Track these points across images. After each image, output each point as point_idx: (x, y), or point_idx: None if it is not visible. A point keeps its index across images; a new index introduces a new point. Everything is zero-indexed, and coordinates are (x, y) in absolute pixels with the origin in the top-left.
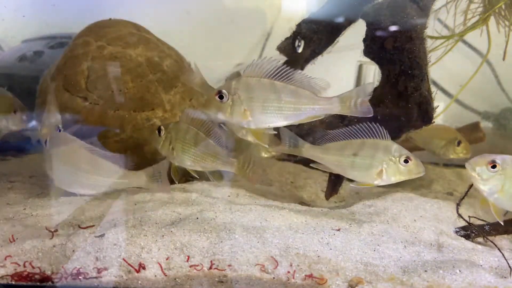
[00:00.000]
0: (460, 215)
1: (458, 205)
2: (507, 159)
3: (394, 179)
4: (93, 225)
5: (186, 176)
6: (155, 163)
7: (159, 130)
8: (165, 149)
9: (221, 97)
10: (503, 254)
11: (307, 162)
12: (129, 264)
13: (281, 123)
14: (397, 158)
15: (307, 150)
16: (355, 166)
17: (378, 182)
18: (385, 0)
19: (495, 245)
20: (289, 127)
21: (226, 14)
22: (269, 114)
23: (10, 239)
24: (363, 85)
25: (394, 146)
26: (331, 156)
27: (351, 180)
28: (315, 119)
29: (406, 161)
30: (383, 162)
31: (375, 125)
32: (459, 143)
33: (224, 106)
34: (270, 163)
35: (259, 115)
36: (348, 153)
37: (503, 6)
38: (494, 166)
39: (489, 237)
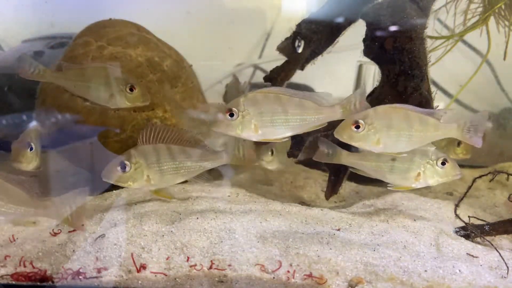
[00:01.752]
0: (457, 216)
1: (456, 205)
2: (369, 113)
3: (431, 182)
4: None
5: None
6: None
7: (124, 166)
8: (140, 182)
9: (231, 115)
10: (500, 254)
11: (307, 162)
12: (134, 263)
13: (288, 134)
14: (435, 161)
15: (345, 157)
16: (394, 170)
17: (415, 185)
18: (385, 0)
19: (492, 245)
20: None
21: (226, 14)
22: (277, 126)
23: (11, 239)
24: (358, 89)
25: (431, 150)
26: (369, 162)
27: (351, 180)
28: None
29: (443, 163)
30: (421, 165)
31: None
32: (459, 144)
33: (235, 123)
34: None
35: (268, 129)
36: (387, 158)
37: (503, 6)
38: (358, 127)
39: (489, 237)
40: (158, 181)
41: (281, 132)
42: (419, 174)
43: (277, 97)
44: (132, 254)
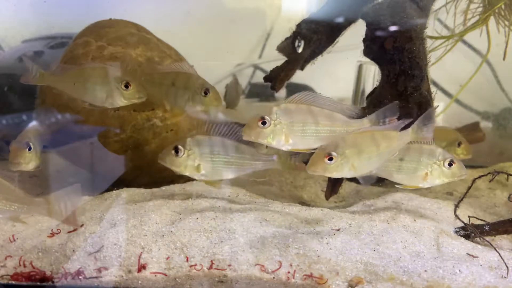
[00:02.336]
0: (457, 216)
1: (456, 206)
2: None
3: (438, 181)
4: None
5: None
6: (155, 164)
7: (177, 150)
8: (190, 169)
9: (263, 123)
10: (499, 254)
11: (307, 162)
12: (138, 262)
13: (318, 145)
14: (442, 162)
15: None
16: (402, 169)
17: (423, 184)
18: (385, 0)
19: (491, 245)
20: None
21: (226, 14)
22: (308, 137)
23: (11, 238)
24: (389, 104)
25: (439, 150)
26: None
27: (351, 180)
28: None
29: (450, 164)
30: (428, 165)
31: None
32: (459, 144)
33: (266, 131)
34: None
35: (298, 139)
36: (394, 158)
37: (503, 6)
38: (330, 159)
39: (489, 237)
40: (208, 172)
41: (311, 142)
42: (426, 174)
43: (309, 108)
44: (139, 255)
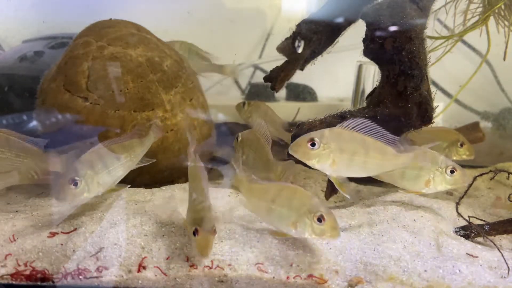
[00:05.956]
0: (460, 214)
1: (457, 203)
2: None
3: (440, 188)
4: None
5: None
6: (155, 164)
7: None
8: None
9: (313, 144)
10: (502, 254)
11: None
12: (140, 264)
13: (363, 175)
14: (444, 169)
15: None
16: (405, 176)
17: (425, 190)
18: (384, 0)
19: (495, 245)
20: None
21: (226, 14)
22: (354, 166)
23: (11, 238)
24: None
25: (441, 158)
26: None
27: (351, 180)
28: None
29: (452, 171)
30: (430, 172)
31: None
32: (461, 145)
33: (314, 153)
34: None
35: (344, 166)
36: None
37: (503, 6)
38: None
39: (489, 237)
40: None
41: (356, 172)
42: (428, 180)
43: (361, 137)
44: (142, 258)
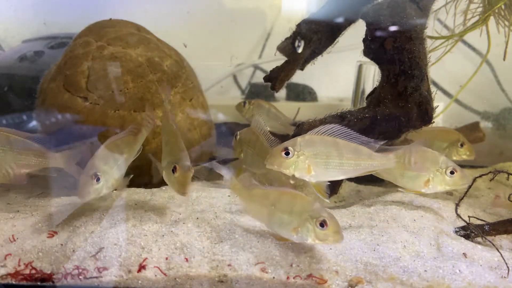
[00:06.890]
0: (458, 215)
1: (457, 205)
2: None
3: (440, 188)
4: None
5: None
6: (155, 164)
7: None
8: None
9: (287, 153)
10: (501, 254)
11: None
12: (140, 264)
13: (341, 177)
14: (444, 170)
15: None
16: (405, 175)
17: (425, 190)
18: (385, 0)
19: (493, 245)
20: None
21: (226, 14)
22: (331, 169)
23: (11, 238)
24: (416, 142)
25: (441, 158)
26: None
27: (351, 180)
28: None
29: (452, 172)
30: (430, 172)
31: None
32: (462, 145)
33: (289, 162)
34: None
35: (321, 170)
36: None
37: (503, 6)
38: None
39: (489, 237)
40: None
41: (334, 175)
42: (428, 180)
43: (333, 140)
44: (143, 260)
